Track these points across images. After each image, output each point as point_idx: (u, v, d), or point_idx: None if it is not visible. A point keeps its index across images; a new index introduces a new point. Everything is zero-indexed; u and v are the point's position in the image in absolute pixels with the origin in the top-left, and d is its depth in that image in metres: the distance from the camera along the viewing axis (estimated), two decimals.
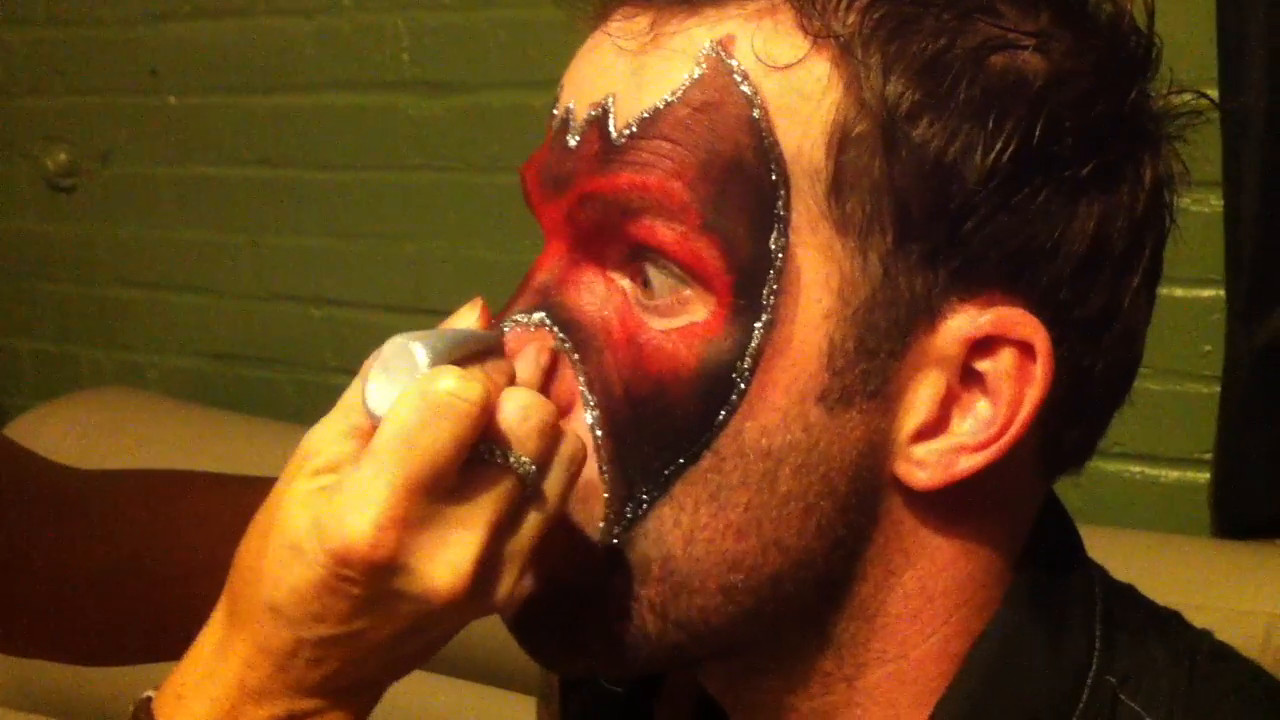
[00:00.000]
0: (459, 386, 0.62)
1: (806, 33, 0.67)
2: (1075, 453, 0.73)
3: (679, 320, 0.67)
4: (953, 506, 0.70)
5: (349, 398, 0.67)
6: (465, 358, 0.65)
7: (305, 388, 2.29)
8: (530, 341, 0.70)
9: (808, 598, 0.70)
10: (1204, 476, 1.60)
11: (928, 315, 0.67)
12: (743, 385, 0.66)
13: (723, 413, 0.67)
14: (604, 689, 0.91)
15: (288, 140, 2.23)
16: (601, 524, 0.69)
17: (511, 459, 0.64)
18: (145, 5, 2.32)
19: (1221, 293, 1.52)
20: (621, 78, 0.69)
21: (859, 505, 0.69)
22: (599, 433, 0.69)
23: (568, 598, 0.71)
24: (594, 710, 0.92)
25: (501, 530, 0.65)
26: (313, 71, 2.17)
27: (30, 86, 2.51)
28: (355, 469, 0.63)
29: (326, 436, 0.66)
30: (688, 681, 0.85)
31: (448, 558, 0.63)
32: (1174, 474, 1.62)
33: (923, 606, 0.71)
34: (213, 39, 2.26)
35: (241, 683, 0.65)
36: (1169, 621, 0.78)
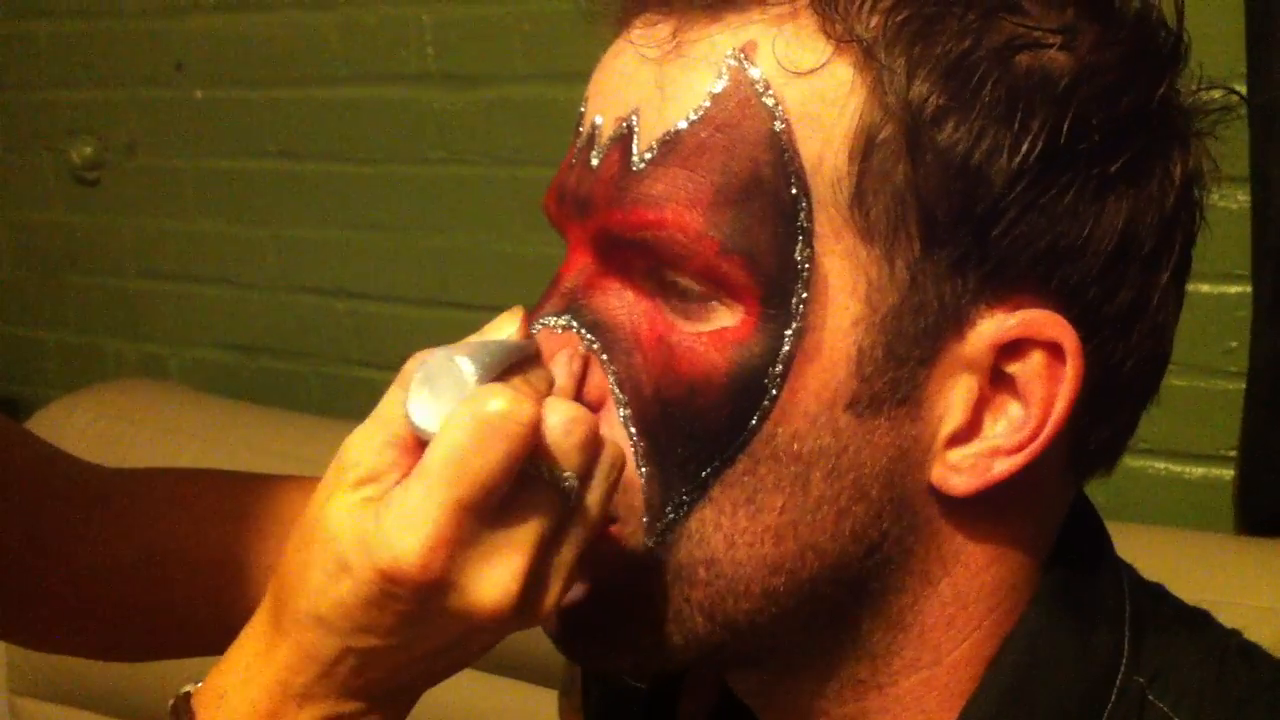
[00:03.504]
0: (511, 408, 0.62)
1: (829, 36, 0.66)
2: (1105, 452, 0.73)
3: (709, 325, 0.67)
4: (987, 511, 0.69)
5: (387, 408, 0.66)
6: (507, 371, 0.65)
7: (328, 380, 2.29)
8: (560, 344, 0.70)
9: (844, 604, 0.70)
10: (1229, 473, 1.59)
11: (956, 320, 0.66)
12: (774, 391, 0.66)
13: (755, 418, 0.66)
14: (626, 684, 0.91)
15: (312, 133, 2.23)
16: (645, 521, 0.69)
17: (557, 474, 0.64)
18: None
19: (1248, 289, 1.51)
20: (645, 90, 0.69)
21: (894, 512, 0.68)
22: (632, 430, 0.69)
23: (612, 600, 0.71)
24: (615, 704, 0.92)
25: (547, 546, 0.65)
26: (337, 65, 2.17)
27: (56, 79, 2.51)
28: (404, 487, 0.63)
29: (367, 448, 0.65)
30: (712, 677, 0.85)
31: (495, 576, 0.63)
32: (1199, 470, 1.61)
33: (957, 613, 0.71)
34: (238, 32, 2.26)
35: (285, 685, 0.66)
36: (1197, 620, 0.77)
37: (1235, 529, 1.58)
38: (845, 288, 0.66)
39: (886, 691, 0.72)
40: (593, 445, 0.65)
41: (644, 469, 0.69)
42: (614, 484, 0.67)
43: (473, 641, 0.66)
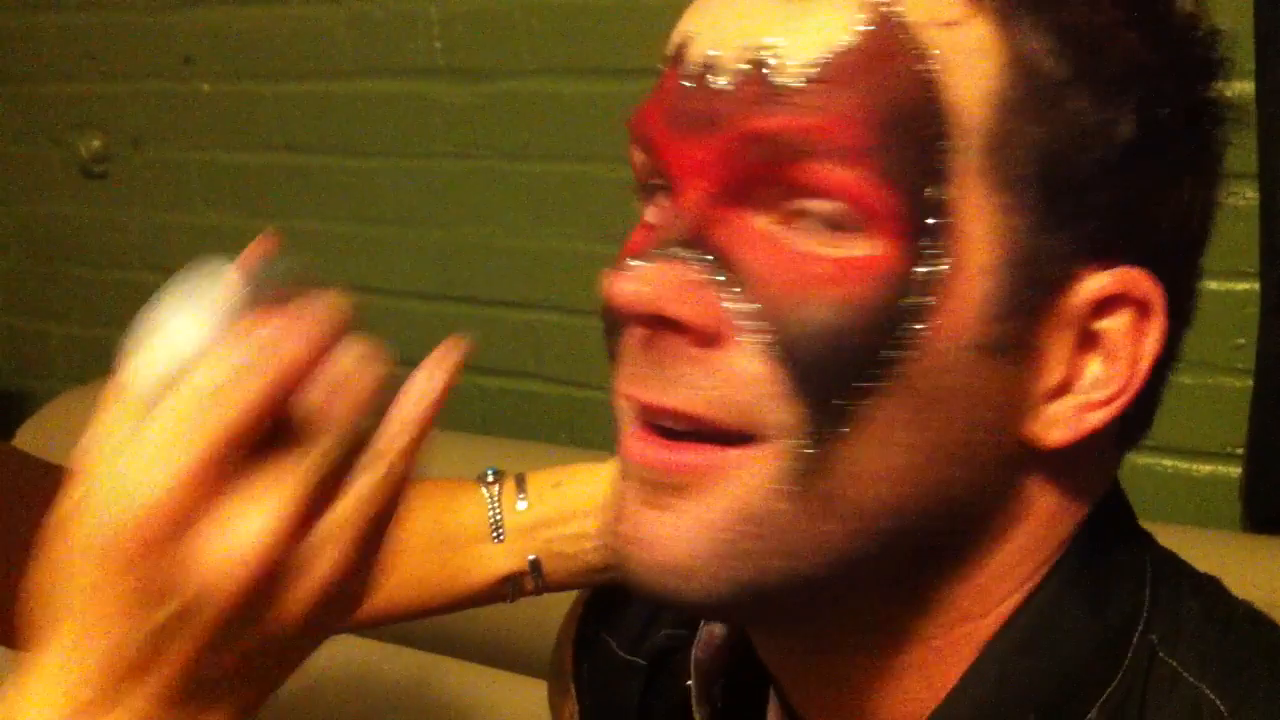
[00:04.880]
0: (266, 347, 0.60)
1: None
2: (1147, 421, 0.76)
3: (848, 252, 0.67)
4: (1061, 468, 0.72)
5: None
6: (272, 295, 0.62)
7: None
8: (674, 273, 0.68)
9: (920, 554, 0.72)
10: (1236, 470, 1.59)
11: (1065, 276, 0.69)
12: (915, 324, 0.67)
13: (896, 349, 0.67)
14: (620, 658, 0.91)
15: (319, 127, 2.23)
16: (787, 445, 0.68)
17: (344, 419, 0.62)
18: None
19: (1256, 286, 1.50)
20: (782, 25, 0.69)
21: (992, 463, 0.71)
22: (775, 353, 0.67)
23: (745, 528, 0.69)
24: (610, 680, 0.92)
25: (316, 499, 0.60)
26: (344, 59, 2.17)
27: (64, 72, 2.52)
28: (141, 429, 0.59)
29: (112, 414, 0.63)
30: (722, 643, 0.85)
31: (245, 530, 0.58)
32: (1206, 468, 1.61)
33: (1016, 566, 0.73)
34: (245, 26, 2.26)
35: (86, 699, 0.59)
36: (1208, 584, 0.79)
37: (1242, 526, 1.58)
38: (978, 233, 0.68)
39: (930, 644, 0.74)
40: (374, 380, 0.64)
41: (784, 399, 0.67)
42: (417, 438, 0.64)
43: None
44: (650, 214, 0.74)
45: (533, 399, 2.08)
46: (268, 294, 0.62)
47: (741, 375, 0.68)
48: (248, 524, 0.58)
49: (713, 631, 0.85)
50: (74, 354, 2.64)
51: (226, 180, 2.36)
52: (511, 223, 2.06)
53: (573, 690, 0.97)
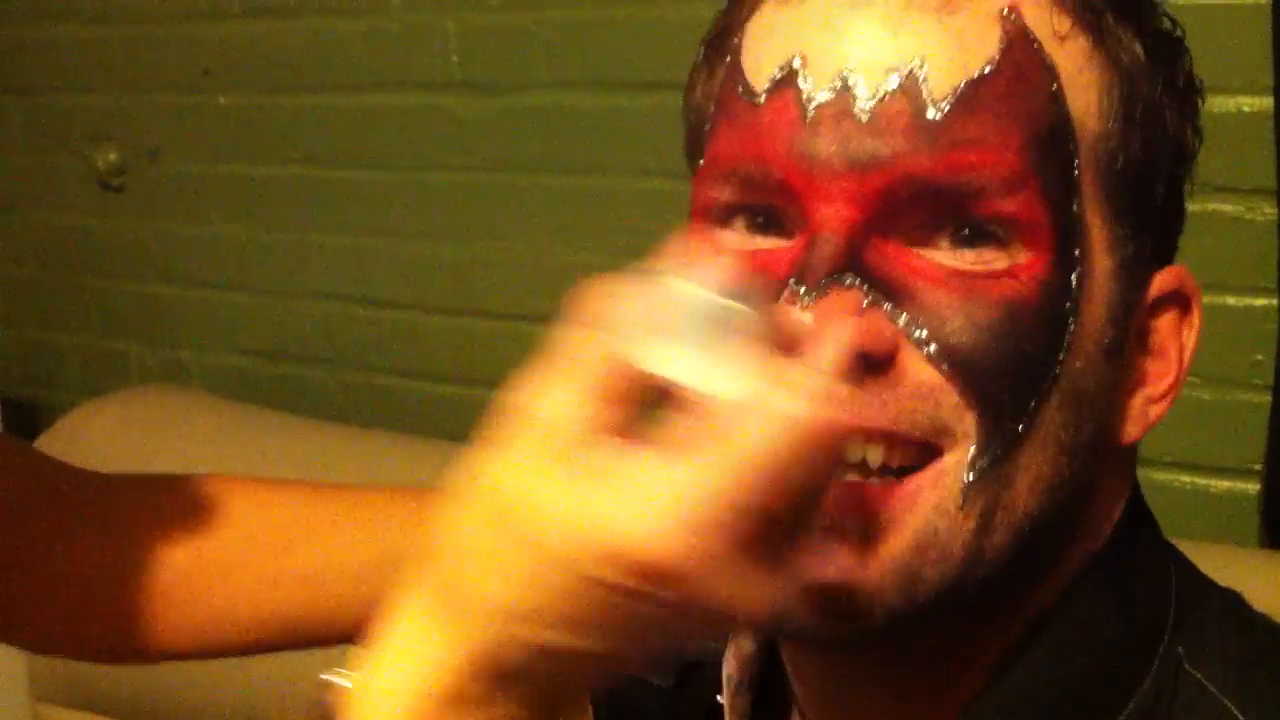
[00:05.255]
0: (829, 415, 0.56)
1: (1066, 5, 0.70)
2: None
3: (1003, 264, 0.68)
4: (1120, 464, 0.75)
5: (574, 350, 0.58)
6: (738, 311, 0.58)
7: (348, 387, 2.29)
8: (843, 301, 0.66)
9: (1039, 563, 0.72)
10: (1255, 487, 1.58)
11: (1146, 278, 0.73)
12: (1071, 327, 0.68)
13: (1062, 350, 0.68)
14: (642, 686, 0.90)
15: (336, 140, 2.23)
16: (971, 456, 0.67)
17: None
18: (197, 4, 2.33)
19: (1274, 301, 1.50)
20: (924, 41, 0.68)
21: (1096, 465, 0.72)
22: (944, 367, 0.67)
23: (919, 539, 0.67)
24: (631, 698, 0.91)
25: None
26: (361, 72, 2.17)
27: (82, 84, 2.52)
28: (662, 464, 0.55)
29: (560, 398, 0.57)
30: (753, 669, 0.84)
31: (744, 588, 0.56)
32: (1224, 484, 1.61)
33: (1071, 570, 0.74)
34: (263, 39, 2.27)
35: (453, 690, 0.58)
36: (1230, 597, 0.79)
37: (1260, 543, 1.57)
38: (1099, 241, 0.70)
39: (973, 664, 0.73)
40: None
41: (960, 407, 0.67)
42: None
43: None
44: (747, 241, 0.72)
45: None
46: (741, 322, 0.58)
47: (922, 388, 0.67)
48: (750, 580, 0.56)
49: (741, 646, 0.84)
50: (89, 365, 2.65)
51: (243, 193, 2.36)
52: (527, 236, 2.06)
53: (589, 709, 0.96)
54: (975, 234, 0.68)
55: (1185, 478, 1.61)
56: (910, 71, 0.68)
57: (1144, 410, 0.74)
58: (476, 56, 2.05)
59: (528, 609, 0.56)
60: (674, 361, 0.55)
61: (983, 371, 0.67)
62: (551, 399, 0.57)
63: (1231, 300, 1.55)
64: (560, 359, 0.58)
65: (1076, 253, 0.69)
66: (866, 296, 0.67)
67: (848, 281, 0.67)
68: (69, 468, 1.06)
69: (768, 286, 0.66)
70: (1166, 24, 0.74)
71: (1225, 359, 1.56)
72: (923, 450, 0.68)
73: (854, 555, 0.67)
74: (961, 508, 0.67)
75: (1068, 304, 0.68)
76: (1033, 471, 0.68)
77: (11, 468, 1.04)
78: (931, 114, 0.67)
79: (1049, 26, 0.69)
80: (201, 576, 1.02)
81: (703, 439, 0.55)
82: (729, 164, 0.71)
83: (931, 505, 0.67)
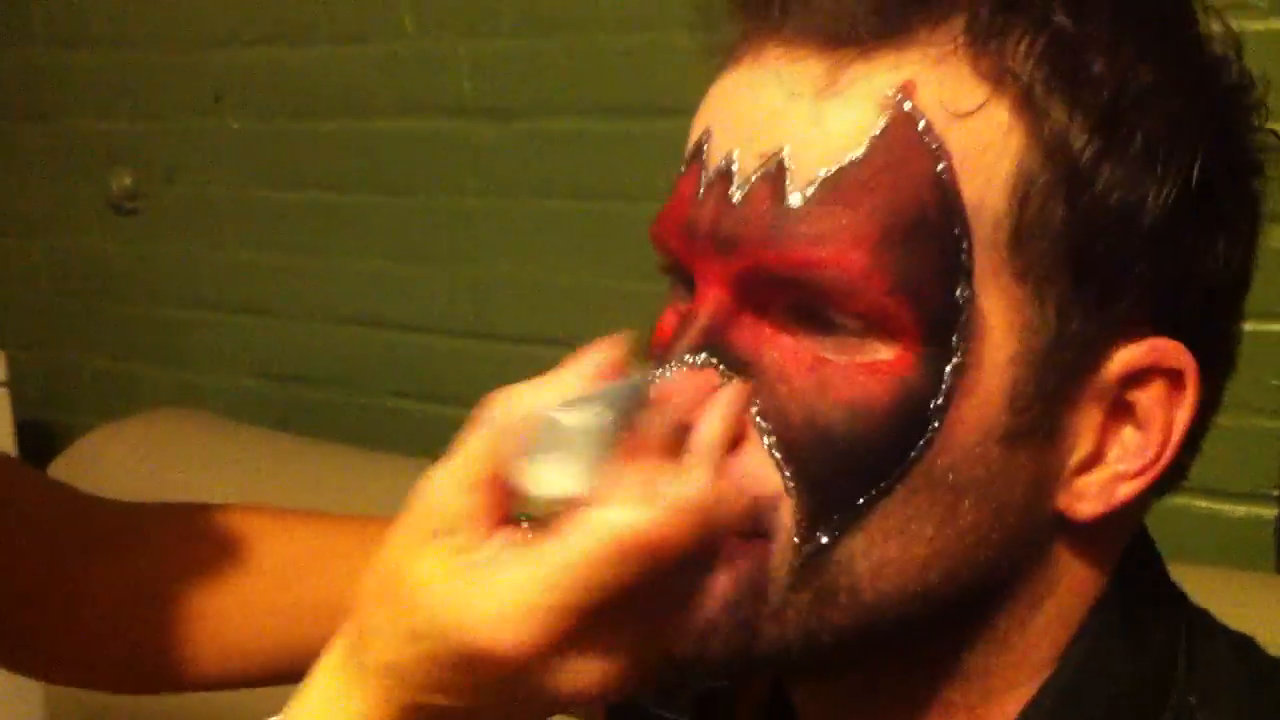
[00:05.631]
0: (657, 535, 0.61)
1: (984, 78, 0.66)
2: (1184, 471, 0.74)
3: (864, 357, 0.66)
4: (1094, 532, 0.71)
5: (468, 449, 0.65)
6: (626, 421, 0.64)
7: (364, 410, 2.30)
8: (699, 382, 0.68)
9: (954, 626, 0.71)
10: (1271, 512, 1.58)
11: (1095, 354, 0.68)
12: (935, 423, 0.66)
13: (916, 448, 0.66)
14: (655, 716, 0.90)
15: (349, 164, 2.24)
16: (794, 543, 0.68)
17: (677, 572, 0.64)
18: (210, 30, 2.35)
19: None
20: (796, 127, 0.67)
21: (1023, 540, 0.70)
22: (778, 456, 0.67)
23: (744, 614, 0.69)
24: None
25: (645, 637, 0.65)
26: (374, 97, 2.18)
27: (96, 109, 2.54)
28: (510, 566, 0.62)
29: (447, 490, 0.65)
30: (760, 698, 0.85)
31: (591, 669, 0.63)
32: (1241, 509, 1.60)
33: (1059, 631, 0.72)
34: (276, 64, 2.28)
35: None
36: (1244, 644, 0.78)
37: (1276, 568, 1.57)
38: (1001, 325, 0.66)
39: (976, 711, 0.73)
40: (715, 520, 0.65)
41: (793, 495, 0.67)
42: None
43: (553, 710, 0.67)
44: (679, 296, 0.74)
45: None
46: (629, 421, 0.64)
47: (750, 475, 0.67)
48: (610, 659, 0.64)
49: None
50: (104, 388, 2.66)
51: (257, 216, 2.37)
52: (539, 260, 2.06)
53: None
54: (831, 325, 0.66)
55: (1201, 502, 1.61)
56: (778, 157, 0.67)
57: (1107, 488, 0.69)
58: (489, 81, 2.06)
59: (416, 674, 0.64)
60: (544, 481, 0.62)
61: (814, 468, 0.67)
62: (440, 488, 0.65)
63: (1248, 325, 1.53)
64: (455, 454, 0.65)
65: (956, 341, 0.66)
66: (723, 376, 0.68)
67: (699, 360, 0.68)
68: (88, 496, 1.07)
69: (664, 352, 0.70)
70: (1186, 57, 0.69)
71: (1242, 384, 1.55)
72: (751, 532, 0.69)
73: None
74: (793, 586, 0.68)
75: (934, 401, 0.66)
76: (875, 558, 0.67)
77: (31, 497, 1.04)
78: (791, 203, 0.66)
79: (948, 103, 0.66)
80: (221, 608, 1.02)
81: (543, 536, 0.62)
82: (654, 236, 0.74)
83: (757, 568, 0.68)
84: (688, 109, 0.75)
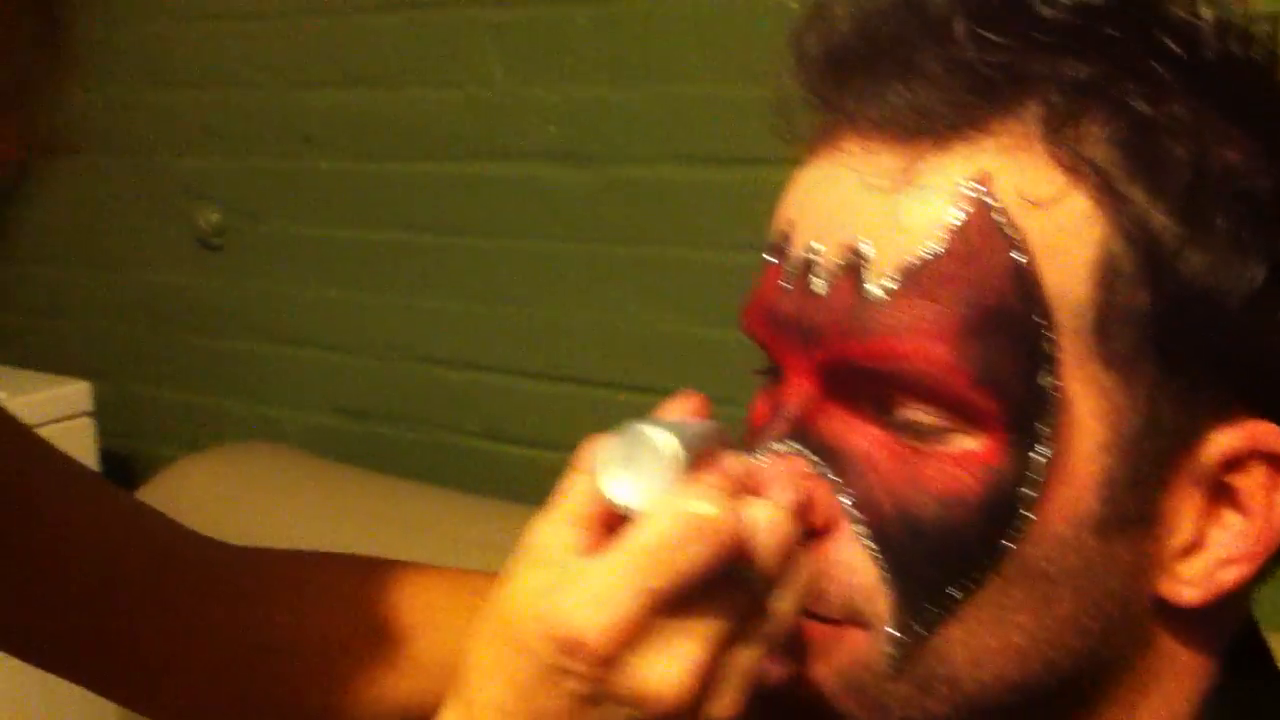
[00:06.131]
0: (724, 516, 0.61)
1: (1062, 166, 0.66)
2: None
3: (952, 447, 0.67)
4: (1200, 619, 0.70)
5: (571, 487, 0.65)
6: (702, 454, 0.65)
7: (441, 449, 2.31)
8: (788, 469, 0.69)
9: (1063, 715, 0.71)
10: None
11: (1189, 439, 0.67)
12: (1027, 513, 0.66)
13: (1008, 538, 0.66)
14: None
15: (433, 206, 2.26)
16: (888, 632, 0.68)
17: (751, 575, 0.63)
18: (302, 72, 2.38)
19: None
20: (875, 220, 0.68)
21: (1124, 627, 0.69)
22: (873, 546, 0.68)
23: (846, 703, 0.70)
24: None
25: (727, 645, 0.63)
26: (461, 141, 2.20)
27: (185, 147, 2.57)
28: (592, 564, 0.62)
29: (548, 528, 0.65)
30: None
31: (671, 667, 0.61)
32: None
33: (1164, 716, 0.72)
34: (364, 107, 2.31)
35: None
36: None
37: None
38: (1090, 412, 0.66)
39: None
40: (791, 551, 0.64)
41: (887, 583, 0.68)
42: (804, 593, 0.66)
43: None
44: (771, 383, 0.75)
45: None
46: (709, 456, 0.65)
47: (843, 565, 0.68)
48: (687, 655, 0.62)
49: None
50: (188, 420, 2.69)
51: (341, 255, 2.40)
52: (618, 304, 2.07)
53: None
54: (917, 416, 0.67)
55: None
56: (859, 251, 0.68)
57: (1210, 574, 0.68)
58: (574, 128, 2.08)
59: (514, 701, 0.62)
60: (624, 490, 0.63)
61: (905, 560, 0.67)
62: (544, 530, 0.65)
63: None
64: (555, 497, 0.66)
65: (1043, 430, 0.65)
66: (812, 467, 0.69)
67: (792, 448, 0.70)
68: (202, 537, 1.07)
69: (754, 438, 0.71)
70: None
71: None
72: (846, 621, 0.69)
73: (787, 670, 0.69)
74: (891, 677, 0.68)
75: (1022, 490, 0.66)
76: (974, 648, 0.67)
77: (152, 537, 1.05)
78: (871, 295, 0.67)
79: (1026, 192, 0.65)
80: (328, 657, 1.02)
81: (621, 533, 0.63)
82: (743, 318, 0.75)
83: (853, 659, 0.69)
84: (766, 159, 0.76)
